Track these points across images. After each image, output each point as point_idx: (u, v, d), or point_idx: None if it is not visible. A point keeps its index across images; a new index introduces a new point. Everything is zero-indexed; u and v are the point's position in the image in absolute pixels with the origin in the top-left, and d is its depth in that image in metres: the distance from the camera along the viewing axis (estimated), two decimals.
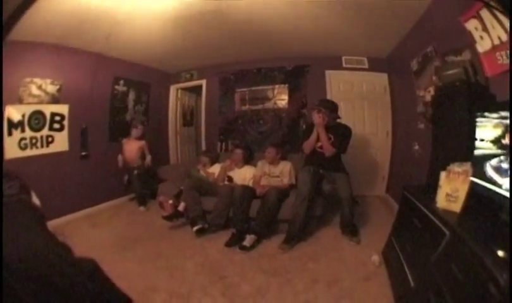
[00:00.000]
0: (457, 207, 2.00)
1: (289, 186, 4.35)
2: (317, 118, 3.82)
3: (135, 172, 5.39)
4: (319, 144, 3.94)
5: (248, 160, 4.94)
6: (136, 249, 3.79)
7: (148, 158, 5.56)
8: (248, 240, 3.75)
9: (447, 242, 1.78)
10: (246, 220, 4.07)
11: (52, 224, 4.14)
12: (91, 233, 4.43)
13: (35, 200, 2.95)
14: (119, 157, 5.42)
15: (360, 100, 5.68)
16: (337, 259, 3.38)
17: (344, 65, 5.70)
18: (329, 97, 5.42)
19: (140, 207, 5.40)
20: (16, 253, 1.84)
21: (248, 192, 4.17)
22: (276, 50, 5.54)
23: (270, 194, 3.99)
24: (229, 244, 3.80)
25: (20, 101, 4.24)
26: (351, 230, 3.90)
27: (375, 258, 3.15)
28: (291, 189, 4.31)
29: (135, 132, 5.59)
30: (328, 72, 5.76)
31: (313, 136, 3.94)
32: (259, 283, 2.99)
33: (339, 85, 5.74)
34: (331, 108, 3.97)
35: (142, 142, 5.62)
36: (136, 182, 5.41)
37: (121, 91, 5.85)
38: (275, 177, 4.47)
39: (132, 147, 5.54)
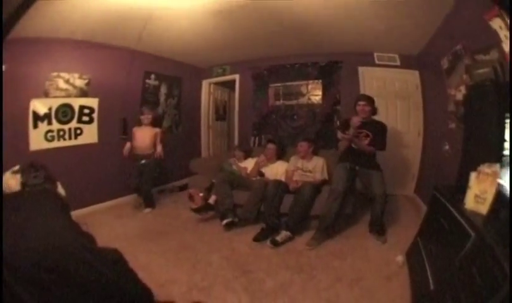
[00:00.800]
0: (484, 209, 1.97)
1: (322, 182, 4.33)
2: (356, 123, 3.75)
3: (142, 161, 4.99)
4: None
5: (281, 155, 4.94)
6: (160, 240, 3.84)
7: (159, 147, 5.06)
8: (282, 236, 3.76)
9: (472, 244, 1.77)
10: (278, 216, 4.08)
11: (77, 214, 4.29)
12: (116, 223, 4.54)
13: (60, 190, 3.05)
14: (127, 145, 5.00)
15: (393, 97, 5.63)
16: (362, 258, 3.38)
17: (376, 62, 5.63)
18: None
19: (145, 210, 5.00)
20: (38, 242, 1.87)
21: (281, 187, 4.19)
22: (308, 46, 5.56)
23: (305, 190, 3.98)
24: (257, 239, 3.82)
25: (46, 95, 4.39)
26: (379, 229, 3.89)
27: (399, 258, 3.13)
28: (323, 184, 4.29)
29: (144, 119, 5.13)
30: (361, 69, 5.73)
31: (347, 138, 3.88)
32: (283, 279, 3.01)
33: (372, 82, 5.70)
34: (371, 102, 3.97)
35: (157, 130, 5.21)
36: (134, 174, 5.00)
37: (153, 84, 6.03)
38: (308, 172, 4.45)
39: (144, 134, 5.12)
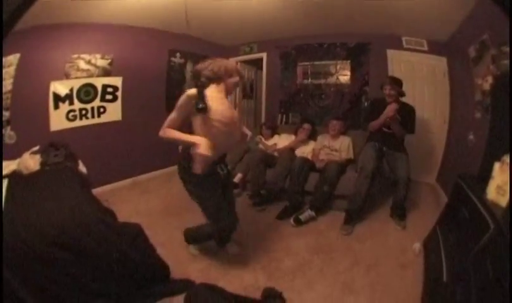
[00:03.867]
0: (504, 201, 1.95)
1: (347, 161, 4.40)
2: (393, 112, 3.73)
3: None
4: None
5: (313, 135, 4.95)
6: (182, 216, 3.81)
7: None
8: (306, 215, 3.82)
9: (489, 236, 1.77)
10: (302, 193, 4.13)
11: (101, 191, 4.43)
12: (140, 199, 4.64)
13: (82, 168, 3.12)
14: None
15: (420, 82, 5.55)
16: (381, 243, 3.41)
17: (404, 45, 5.55)
18: None
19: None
20: (54, 218, 1.92)
21: (307, 164, 4.24)
22: (337, 27, 5.53)
23: (331, 168, 4.02)
24: (281, 217, 3.92)
25: (67, 76, 4.44)
26: (400, 213, 3.87)
27: (416, 246, 3.14)
28: (348, 164, 4.36)
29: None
30: (390, 52, 5.66)
31: (379, 122, 3.89)
32: (302, 259, 3.09)
33: (400, 65, 5.63)
34: (399, 85, 3.97)
35: None
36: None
37: (178, 63, 6.08)
38: (334, 151, 4.52)
39: None
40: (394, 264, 2.97)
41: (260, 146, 5.00)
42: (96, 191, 3.81)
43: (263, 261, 3.01)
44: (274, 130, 5.40)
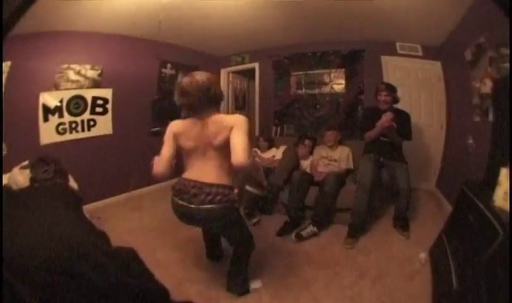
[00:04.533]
0: None
1: (347, 171, 4.30)
2: (388, 122, 3.62)
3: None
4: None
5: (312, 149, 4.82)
6: (178, 234, 3.70)
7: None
8: (308, 231, 3.67)
9: (499, 243, 1.73)
10: (302, 208, 4.01)
11: (92, 207, 4.38)
12: (133, 216, 4.49)
13: (72, 184, 3.00)
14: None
15: (416, 88, 5.54)
16: (386, 254, 3.32)
17: (398, 51, 5.56)
18: None
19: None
20: (46, 242, 1.78)
21: (306, 178, 4.12)
22: (330, 34, 5.49)
23: (330, 180, 3.88)
24: (281, 233, 3.77)
25: (56, 87, 4.35)
26: (403, 224, 3.80)
27: (423, 256, 3.07)
28: (348, 174, 4.27)
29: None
30: (384, 58, 5.65)
31: (375, 132, 3.80)
32: (306, 275, 2.97)
33: (395, 71, 5.61)
34: (393, 91, 3.92)
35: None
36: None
37: (169, 74, 6.03)
38: (333, 161, 4.41)
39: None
40: (401, 275, 2.90)
41: (257, 159, 4.85)
42: (87, 207, 3.78)
43: (265, 278, 2.88)
44: (272, 143, 5.25)
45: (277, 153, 4.93)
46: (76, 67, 4.53)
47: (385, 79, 5.43)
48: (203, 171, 2.29)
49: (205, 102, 2.27)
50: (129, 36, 5.05)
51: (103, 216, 4.13)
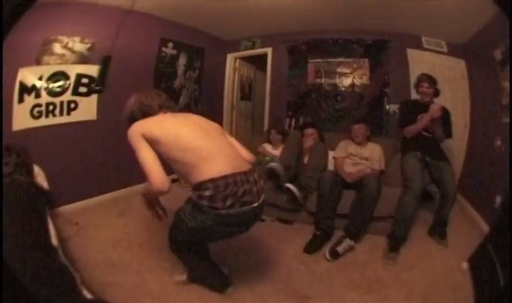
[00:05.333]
0: None
1: (380, 173, 3.80)
2: (439, 111, 3.40)
3: None
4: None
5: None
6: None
7: None
8: (344, 246, 3.09)
9: None
10: (333, 218, 3.42)
11: (69, 209, 3.86)
12: (117, 223, 3.75)
13: (41, 181, 2.46)
14: None
15: (442, 84, 5.12)
16: (430, 267, 2.95)
17: (424, 45, 5.33)
18: (412, 77, 5.04)
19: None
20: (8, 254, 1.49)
21: (339, 180, 3.58)
22: (353, 22, 5.22)
23: (371, 183, 3.35)
24: (309, 250, 3.15)
25: (38, 62, 3.71)
26: (441, 231, 3.42)
27: (464, 265, 2.82)
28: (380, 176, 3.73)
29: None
30: (410, 51, 5.37)
31: (422, 124, 3.52)
32: (351, 302, 2.47)
33: (422, 65, 5.28)
34: (435, 83, 3.73)
35: None
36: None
37: (170, 54, 5.45)
38: (364, 160, 3.90)
39: None
40: (447, 289, 2.62)
41: (267, 158, 4.29)
42: (63, 210, 3.60)
43: None
44: (285, 136, 4.55)
45: None
46: (64, 39, 3.88)
47: (412, 73, 5.22)
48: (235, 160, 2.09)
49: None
50: (128, 9, 4.39)
51: (83, 221, 3.52)
